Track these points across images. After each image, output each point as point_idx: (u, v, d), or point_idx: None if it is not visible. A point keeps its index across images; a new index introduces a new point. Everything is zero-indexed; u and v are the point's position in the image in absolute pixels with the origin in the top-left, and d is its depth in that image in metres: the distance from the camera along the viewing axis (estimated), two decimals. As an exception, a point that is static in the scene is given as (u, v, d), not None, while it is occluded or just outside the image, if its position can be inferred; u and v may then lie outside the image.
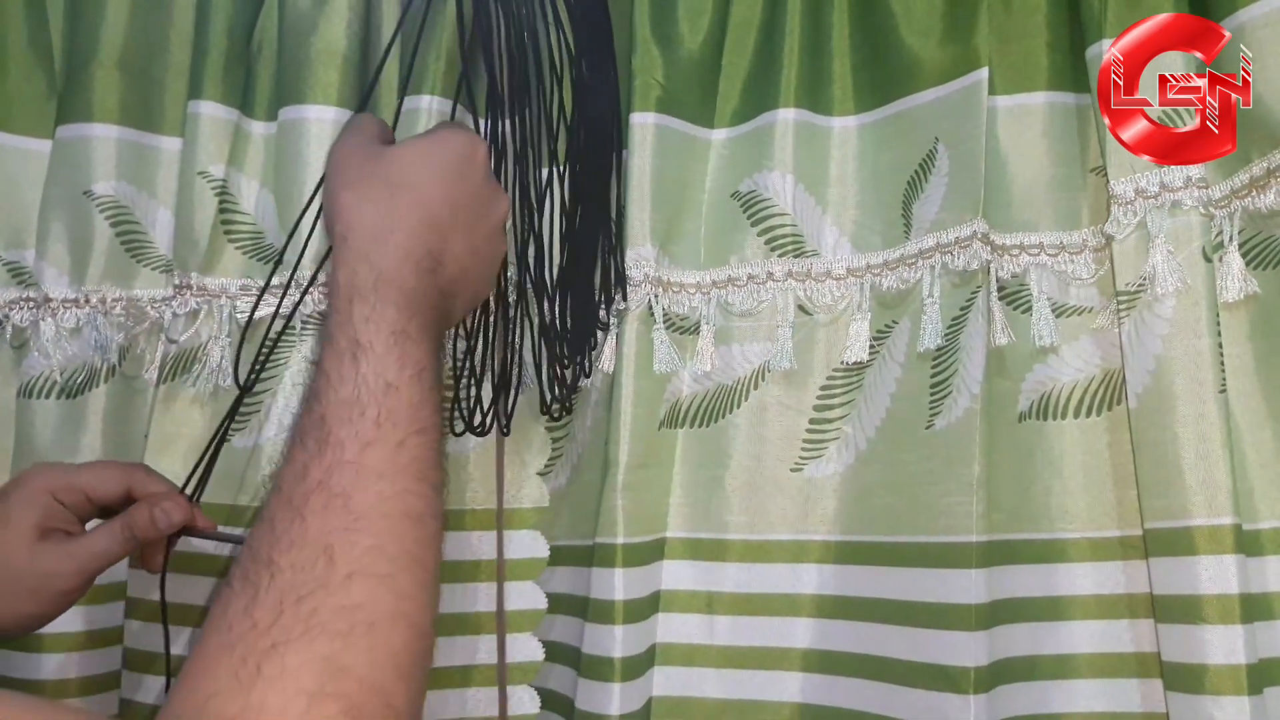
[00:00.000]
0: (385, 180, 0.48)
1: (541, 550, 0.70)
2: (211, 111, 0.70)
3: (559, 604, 0.69)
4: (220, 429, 0.63)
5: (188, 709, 0.34)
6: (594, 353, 0.68)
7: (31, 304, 0.71)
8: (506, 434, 0.69)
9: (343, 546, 0.37)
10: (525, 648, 0.70)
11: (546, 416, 0.70)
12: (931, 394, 0.61)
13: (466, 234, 0.51)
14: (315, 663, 0.34)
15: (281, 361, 0.69)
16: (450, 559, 0.70)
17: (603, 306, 0.67)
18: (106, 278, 0.71)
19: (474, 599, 0.70)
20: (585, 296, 0.66)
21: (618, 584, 0.62)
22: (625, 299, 0.66)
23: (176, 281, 0.70)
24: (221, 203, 0.70)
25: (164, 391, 0.70)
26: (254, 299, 0.67)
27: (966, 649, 0.57)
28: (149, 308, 0.71)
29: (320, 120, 0.68)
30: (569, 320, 0.67)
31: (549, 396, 0.68)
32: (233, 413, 0.63)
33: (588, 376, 0.68)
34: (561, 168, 0.68)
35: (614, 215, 0.67)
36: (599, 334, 0.67)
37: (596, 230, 0.67)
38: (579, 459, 0.69)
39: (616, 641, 0.62)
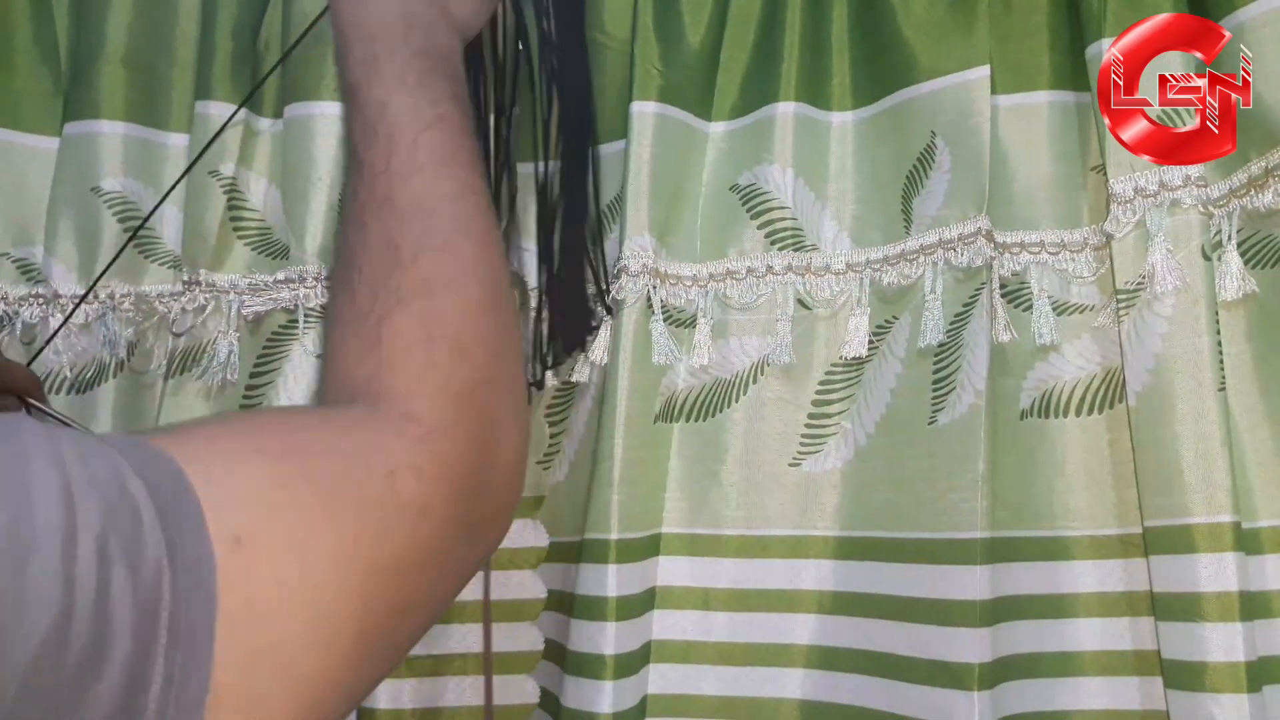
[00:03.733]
0: None
1: (541, 539, 0.70)
2: (220, 112, 0.70)
3: (550, 600, 0.69)
4: None
5: (334, 384, 0.43)
6: (567, 346, 0.68)
7: (41, 300, 0.72)
8: None
9: (402, 235, 0.44)
10: (526, 637, 0.70)
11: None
12: (934, 390, 0.61)
13: None
14: (416, 318, 0.42)
15: (283, 354, 0.69)
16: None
17: (594, 301, 0.67)
18: (115, 274, 0.71)
19: (474, 586, 0.70)
20: (566, 286, 0.67)
21: (610, 580, 0.62)
22: (607, 292, 0.66)
23: (185, 278, 0.71)
24: (230, 200, 0.70)
25: (172, 386, 0.70)
26: (261, 295, 0.68)
27: (970, 645, 0.57)
28: (157, 303, 0.72)
29: (326, 116, 0.68)
30: (551, 304, 0.67)
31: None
32: None
33: (549, 369, 0.68)
34: (541, 162, 0.68)
35: (593, 209, 0.68)
36: (589, 328, 0.67)
37: (573, 221, 0.68)
38: (575, 454, 0.69)
39: (609, 638, 0.61)
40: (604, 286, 0.66)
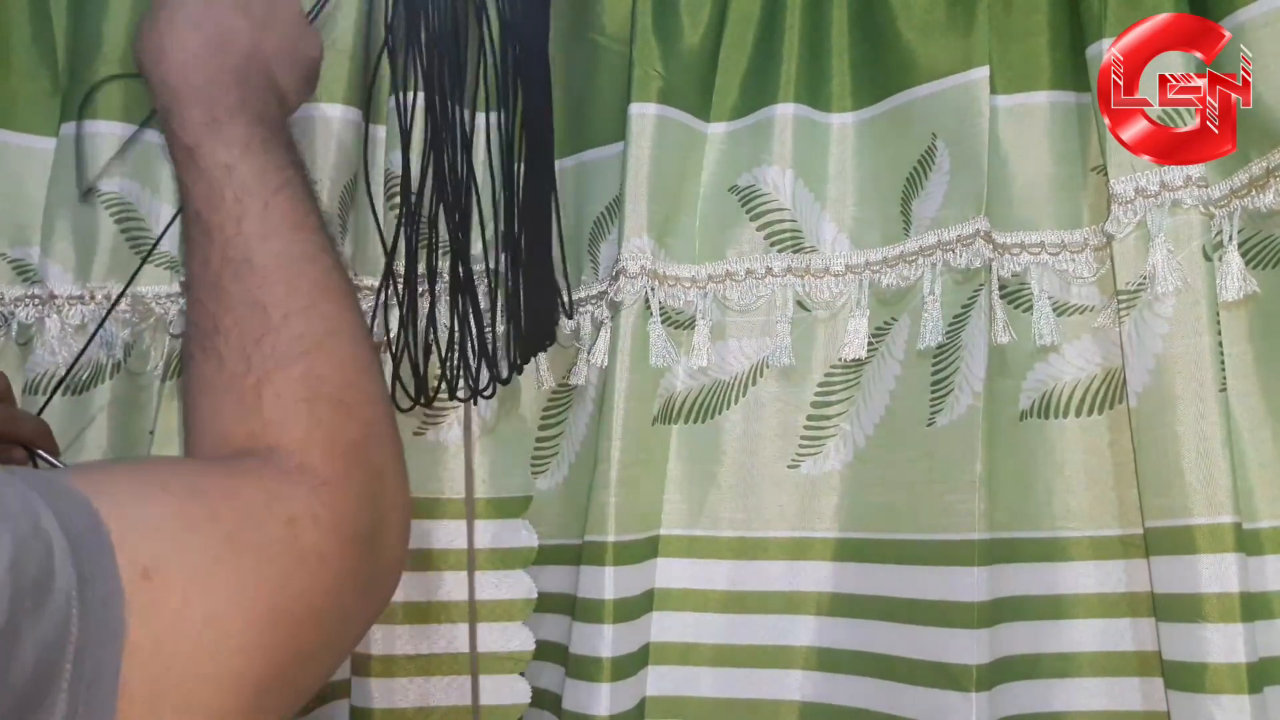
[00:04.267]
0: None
1: (531, 540, 0.70)
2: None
3: (550, 602, 0.69)
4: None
5: (209, 444, 0.42)
6: (529, 350, 0.69)
7: (37, 301, 0.71)
8: (450, 397, 0.69)
9: (268, 296, 0.44)
10: (516, 637, 0.70)
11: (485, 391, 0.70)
12: (932, 391, 0.61)
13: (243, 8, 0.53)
14: (297, 378, 0.42)
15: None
16: (441, 547, 0.70)
17: (559, 307, 0.68)
18: (111, 275, 0.71)
19: (462, 588, 0.70)
20: (529, 290, 0.68)
21: (608, 582, 0.62)
22: (569, 298, 0.67)
23: (182, 279, 0.70)
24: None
25: (170, 388, 0.70)
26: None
27: (968, 647, 0.57)
28: (154, 304, 0.71)
29: (326, 119, 0.68)
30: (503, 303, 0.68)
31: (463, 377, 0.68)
32: None
33: (518, 370, 0.69)
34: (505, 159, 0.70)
35: (554, 217, 0.69)
36: (553, 331, 0.69)
37: (539, 219, 0.68)
38: (576, 456, 0.69)
39: (606, 641, 0.61)
40: (577, 294, 0.66)
